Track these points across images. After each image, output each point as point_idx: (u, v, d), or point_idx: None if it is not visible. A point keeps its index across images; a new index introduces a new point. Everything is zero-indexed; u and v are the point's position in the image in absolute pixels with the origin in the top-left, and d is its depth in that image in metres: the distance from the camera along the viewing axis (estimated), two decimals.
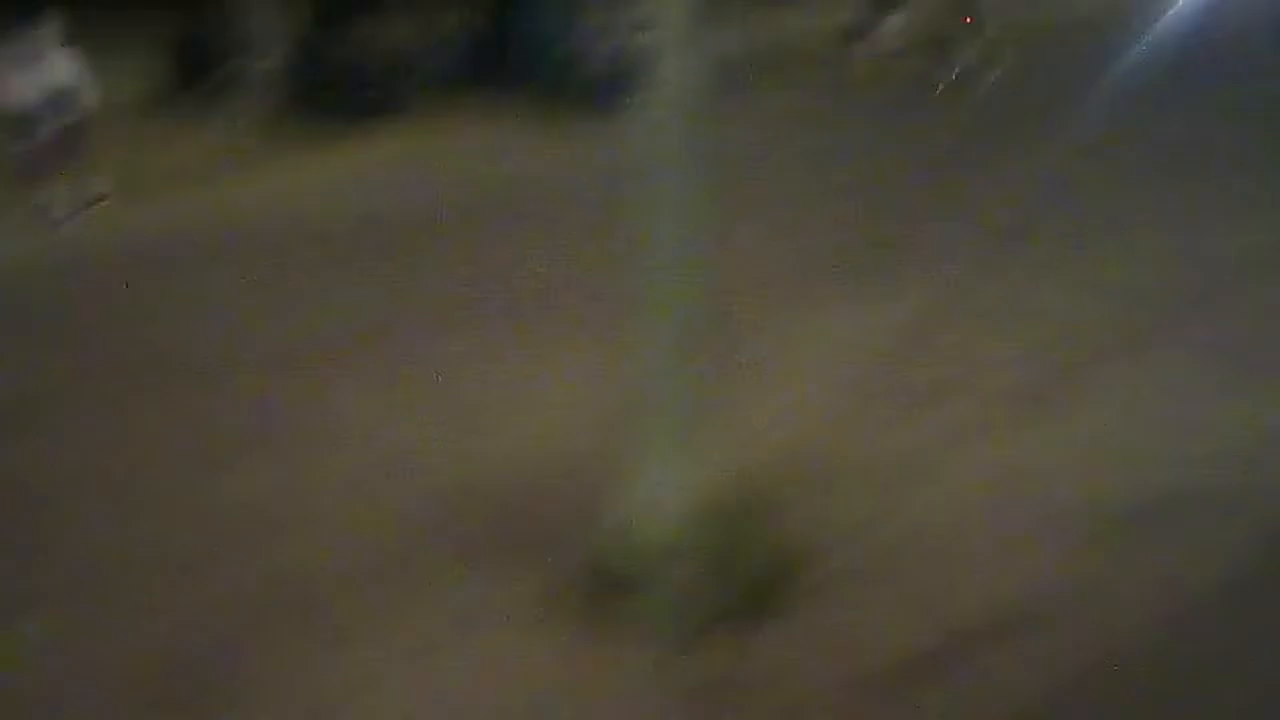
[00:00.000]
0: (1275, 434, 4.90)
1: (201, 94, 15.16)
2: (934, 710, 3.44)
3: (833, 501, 4.42)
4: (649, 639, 3.68)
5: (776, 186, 10.30)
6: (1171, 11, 22.62)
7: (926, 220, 8.80)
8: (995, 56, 15.33)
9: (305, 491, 4.82)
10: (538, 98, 14.68)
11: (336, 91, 13.60)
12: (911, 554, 4.10)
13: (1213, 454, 4.74)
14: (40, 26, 9.17)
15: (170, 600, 4.12)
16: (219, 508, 4.73)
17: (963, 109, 14.75)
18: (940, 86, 15.11)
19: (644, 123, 3.65)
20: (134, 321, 7.10)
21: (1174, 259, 7.52)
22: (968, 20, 15.58)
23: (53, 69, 9.18)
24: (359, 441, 5.26)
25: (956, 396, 5.35)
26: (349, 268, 7.96)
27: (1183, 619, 3.74)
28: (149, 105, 14.71)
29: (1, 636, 3.98)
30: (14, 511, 4.85)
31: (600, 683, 3.60)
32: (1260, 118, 12.83)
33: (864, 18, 18.31)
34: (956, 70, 15.30)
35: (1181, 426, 5.03)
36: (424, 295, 7.32)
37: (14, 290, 7.90)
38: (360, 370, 6.08)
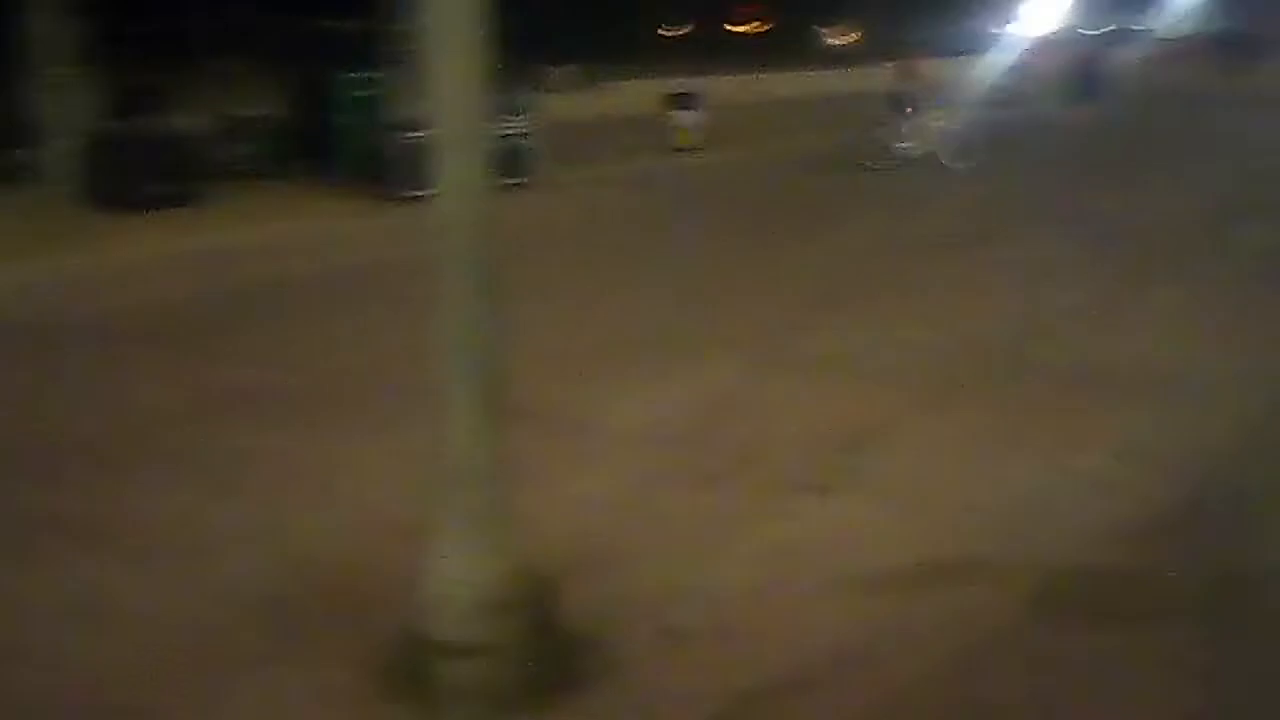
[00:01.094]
0: (1031, 504, 5.28)
1: None
2: None
3: (626, 580, 4.54)
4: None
5: (591, 260, 10.66)
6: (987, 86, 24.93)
7: (737, 291, 9.27)
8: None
9: (109, 583, 4.68)
10: (338, 186, 14.82)
11: (131, 179, 13.38)
12: (701, 628, 4.24)
13: (984, 522, 5.08)
14: None
15: None
16: (31, 599, 4.56)
17: (798, 182, 15.66)
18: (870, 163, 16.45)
19: (435, 211, 3.74)
20: None
21: (975, 319, 8.24)
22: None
23: None
24: (168, 529, 5.16)
25: (745, 474, 5.62)
26: (143, 356, 7.83)
27: (957, 672, 3.98)
28: None
29: None
30: None
31: None
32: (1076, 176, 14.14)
33: (687, 92, 19.41)
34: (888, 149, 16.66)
35: (960, 496, 5.37)
36: (220, 383, 7.24)
37: None
38: (162, 460, 5.96)
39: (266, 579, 4.66)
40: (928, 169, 16.07)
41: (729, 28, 60.05)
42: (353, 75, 15.32)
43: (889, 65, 18.57)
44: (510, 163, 13.99)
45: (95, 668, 4.08)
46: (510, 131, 14.41)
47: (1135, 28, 50.66)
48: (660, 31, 53.68)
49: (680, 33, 55.11)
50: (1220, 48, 36.05)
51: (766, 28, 58.76)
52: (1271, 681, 3.93)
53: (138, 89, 15.01)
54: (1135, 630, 4.20)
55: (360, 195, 14.20)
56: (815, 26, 58.16)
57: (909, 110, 17.13)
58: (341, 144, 15.20)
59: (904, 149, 16.85)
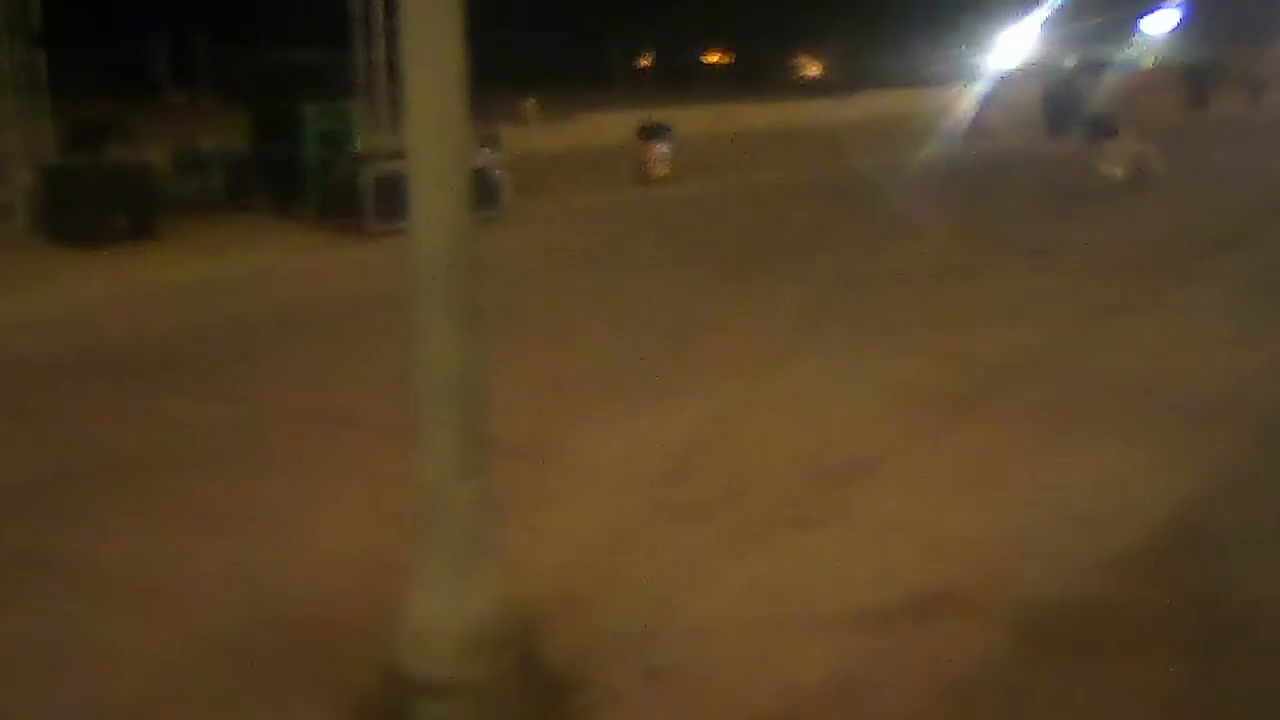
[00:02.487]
0: (1018, 536, 5.25)
1: None
2: None
3: (610, 617, 4.48)
4: None
5: (565, 294, 10.63)
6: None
7: (714, 325, 9.24)
8: None
9: (74, 624, 4.57)
10: (305, 220, 14.72)
11: (91, 213, 13.17)
12: (687, 666, 4.18)
13: (969, 555, 5.05)
14: None
15: None
16: None
17: (771, 215, 15.72)
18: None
19: (413, 244, 3.68)
20: None
21: (950, 358, 8.26)
22: None
23: None
24: (129, 574, 5.03)
25: (729, 509, 5.57)
26: (96, 395, 7.69)
27: (945, 706, 3.95)
28: None
29: None
30: None
31: None
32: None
33: (659, 123, 19.46)
34: None
35: (945, 529, 5.34)
36: (186, 420, 7.13)
37: None
38: (122, 501, 5.83)
39: (237, 618, 4.57)
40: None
41: (701, 59, 60.46)
42: (320, 106, 15.24)
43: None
44: (481, 195, 13.93)
45: (62, 710, 3.99)
46: (481, 163, 14.37)
47: (1105, 58, 51.29)
48: (634, 63, 53.93)
49: (653, 64, 55.36)
50: (1189, 80, 36.39)
51: (738, 59, 59.20)
52: (1252, 714, 3.91)
53: (98, 121, 14.84)
54: (1119, 663, 4.17)
55: (328, 228, 14.12)
56: (787, 58, 58.62)
57: (1114, 133, 17.54)
58: (309, 177, 15.09)
59: (1109, 172, 17.09)
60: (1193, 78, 35.90)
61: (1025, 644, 4.32)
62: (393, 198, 12.54)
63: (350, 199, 13.82)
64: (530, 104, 29.26)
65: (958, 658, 4.21)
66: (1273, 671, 4.15)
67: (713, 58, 61.69)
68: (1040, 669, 4.15)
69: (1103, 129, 17.93)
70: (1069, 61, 27.18)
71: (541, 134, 24.82)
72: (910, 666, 4.16)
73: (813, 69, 59.85)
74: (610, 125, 24.63)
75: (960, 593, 4.70)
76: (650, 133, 19.78)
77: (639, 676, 4.08)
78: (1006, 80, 33.32)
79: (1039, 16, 40.36)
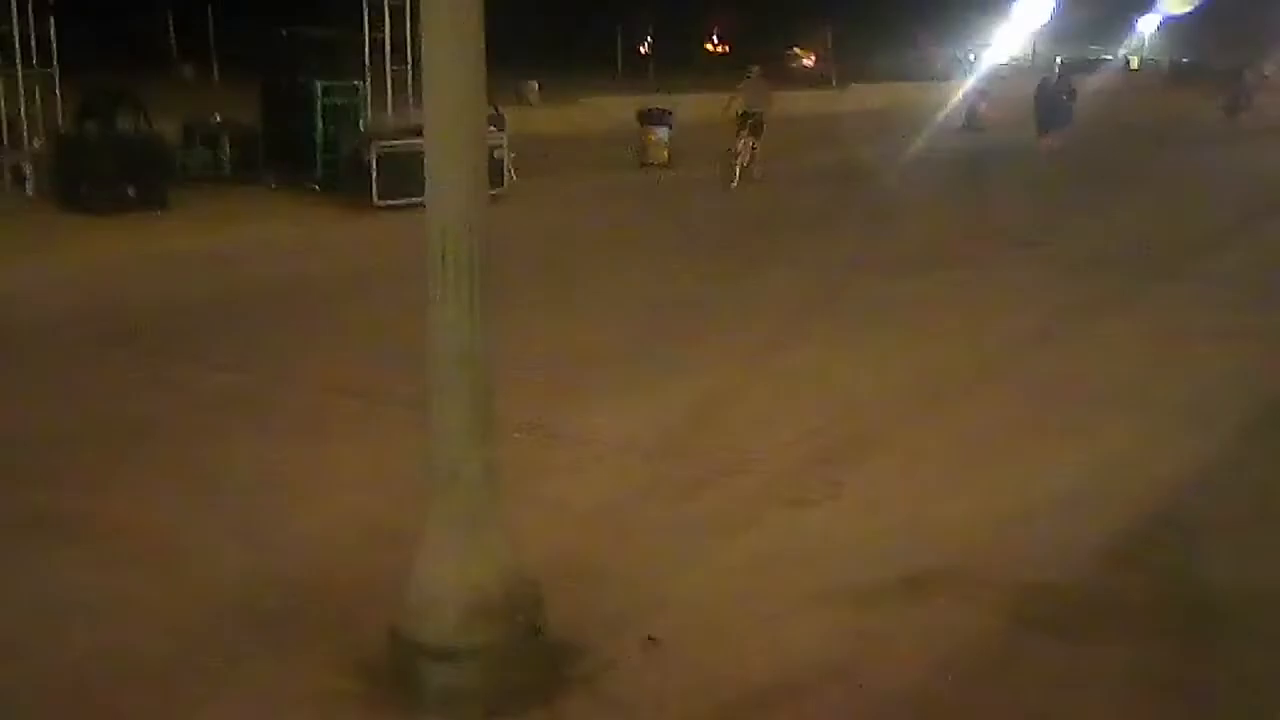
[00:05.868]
0: (1010, 518, 5.34)
1: None
2: None
3: (610, 588, 4.58)
4: None
5: (565, 273, 10.69)
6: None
7: (710, 306, 9.30)
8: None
9: (91, 582, 4.64)
10: (314, 194, 14.77)
11: (103, 182, 13.23)
12: (684, 637, 4.27)
13: (961, 536, 5.15)
14: None
15: None
16: (15, 597, 4.52)
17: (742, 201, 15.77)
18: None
19: (429, 218, 3.75)
20: None
21: (960, 339, 8.41)
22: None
23: None
24: (147, 531, 5.13)
25: (726, 486, 5.67)
26: (106, 359, 7.77)
27: (938, 682, 4.03)
28: None
29: None
30: None
31: None
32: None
33: (660, 109, 19.59)
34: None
35: (938, 510, 5.44)
36: (198, 387, 7.22)
37: None
38: (139, 462, 5.92)
39: (244, 578, 4.66)
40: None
41: (703, 47, 60.55)
42: (330, 82, 15.29)
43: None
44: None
45: (78, 665, 4.06)
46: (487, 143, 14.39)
47: (1099, 57, 51.40)
48: (637, 49, 53.90)
49: (654, 50, 55.28)
50: (1227, 86, 35.45)
51: (736, 48, 59.24)
52: (1236, 697, 4.00)
53: (109, 91, 14.86)
54: (1109, 644, 4.27)
55: (335, 203, 14.20)
56: (783, 49, 58.64)
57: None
58: (318, 151, 15.15)
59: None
60: (1230, 84, 34.93)
61: (1017, 624, 4.41)
62: (398, 174, 12.69)
63: (357, 174, 13.92)
64: (533, 86, 29.24)
65: (952, 635, 4.31)
66: (1253, 657, 4.24)
67: (720, 47, 61.80)
68: (1032, 649, 4.25)
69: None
70: (1060, 59, 27.18)
71: (544, 116, 24.82)
72: (902, 643, 4.26)
73: (808, 61, 59.89)
74: (612, 109, 24.65)
75: (952, 572, 4.79)
76: (650, 118, 19.87)
77: (637, 646, 4.17)
78: (1001, 76, 33.29)
79: (1035, 13, 40.36)
